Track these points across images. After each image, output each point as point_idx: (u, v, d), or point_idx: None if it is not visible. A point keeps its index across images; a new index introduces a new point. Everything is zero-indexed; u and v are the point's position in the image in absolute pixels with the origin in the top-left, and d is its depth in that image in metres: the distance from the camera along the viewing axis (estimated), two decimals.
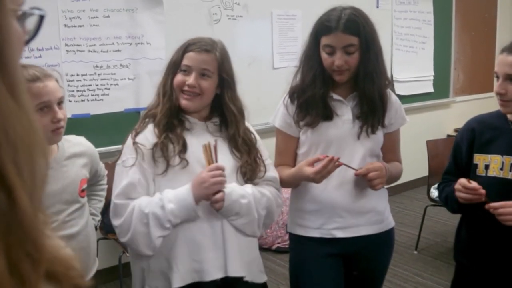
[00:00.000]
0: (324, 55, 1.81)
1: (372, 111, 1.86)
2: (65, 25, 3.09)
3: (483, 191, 1.71)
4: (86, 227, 1.88)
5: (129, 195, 1.63)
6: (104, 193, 2.19)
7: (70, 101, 3.18)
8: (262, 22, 4.11)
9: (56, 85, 1.67)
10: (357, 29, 1.76)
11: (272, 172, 1.84)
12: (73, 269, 0.48)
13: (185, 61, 1.67)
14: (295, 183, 1.93)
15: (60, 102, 1.68)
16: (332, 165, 1.74)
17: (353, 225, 1.91)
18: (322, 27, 1.80)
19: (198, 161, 1.66)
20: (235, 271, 1.68)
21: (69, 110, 3.15)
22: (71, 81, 3.18)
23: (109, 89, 3.33)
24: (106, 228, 3.25)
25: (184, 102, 1.67)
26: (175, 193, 1.61)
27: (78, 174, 1.84)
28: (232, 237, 1.70)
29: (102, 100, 3.32)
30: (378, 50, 1.84)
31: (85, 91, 3.25)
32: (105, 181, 2.16)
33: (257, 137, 1.85)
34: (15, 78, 0.41)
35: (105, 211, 3.16)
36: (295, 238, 2.00)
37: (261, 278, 1.81)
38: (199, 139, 1.69)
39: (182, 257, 1.65)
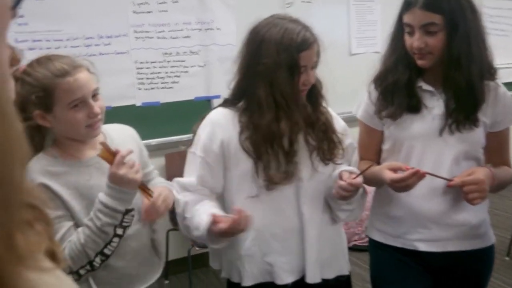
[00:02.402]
0: (406, 36, 1.61)
1: (460, 104, 1.59)
2: (133, 12, 3.10)
3: None
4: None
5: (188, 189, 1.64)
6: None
7: (139, 89, 3.20)
8: (338, 5, 3.91)
9: (88, 75, 1.48)
10: (439, 5, 1.52)
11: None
12: None
13: (302, 62, 1.51)
14: (374, 183, 1.72)
15: (95, 94, 1.50)
16: (415, 178, 1.52)
17: (440, 239, 1.66)
18: (403, 3, 1.61)
19: None
20: (312, 278, 1.60)
21: (139, 98, 3.21)
22: (140, 68, 3.19)
23: (179, 76, 3.31)
24: (175, 220, 3.20)
25: None
26: None
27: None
28: (312, 236, 1.58)
29: (172, 88, 3.30)
30: (471, 31, 1.56)
31: (154, 78, 3.24)
32: (152, 168, 1.98)
33: (334, 115, 1.69)
34: None
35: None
36: (373, 243, 1.81)
37: (346, 270, 1.72)
38: None
39: (251, 256, 1.60)
